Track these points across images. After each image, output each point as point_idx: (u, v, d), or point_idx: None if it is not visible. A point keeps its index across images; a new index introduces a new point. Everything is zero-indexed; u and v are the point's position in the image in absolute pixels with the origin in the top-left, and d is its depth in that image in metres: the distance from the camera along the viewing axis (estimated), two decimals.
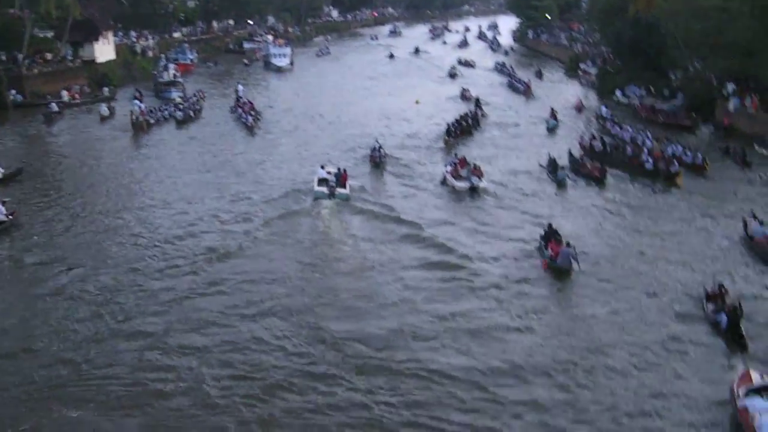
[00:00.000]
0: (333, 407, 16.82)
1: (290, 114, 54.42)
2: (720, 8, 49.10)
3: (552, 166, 36.82)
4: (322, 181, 32.71)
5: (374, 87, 68.81)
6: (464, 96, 60.95)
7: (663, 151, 38.47)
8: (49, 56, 61.64)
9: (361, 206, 31.52)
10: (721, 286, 21.71)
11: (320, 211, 30.76)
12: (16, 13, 59.51)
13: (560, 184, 35.06)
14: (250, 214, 30.40)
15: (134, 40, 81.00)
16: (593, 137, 41.99)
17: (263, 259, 25.79)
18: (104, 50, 68.57)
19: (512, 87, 68.06)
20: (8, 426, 15.93)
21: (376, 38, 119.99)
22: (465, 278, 24.04)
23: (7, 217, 28.44)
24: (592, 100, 59.23)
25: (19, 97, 55.02)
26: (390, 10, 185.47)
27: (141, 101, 52.97)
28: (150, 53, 78.40)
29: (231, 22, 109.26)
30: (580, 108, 55.86)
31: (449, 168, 35.22)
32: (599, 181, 35.26)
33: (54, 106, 51.56)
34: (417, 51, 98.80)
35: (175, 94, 58.46)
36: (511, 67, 78.44)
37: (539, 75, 74.27)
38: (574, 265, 24.13)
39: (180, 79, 63.92)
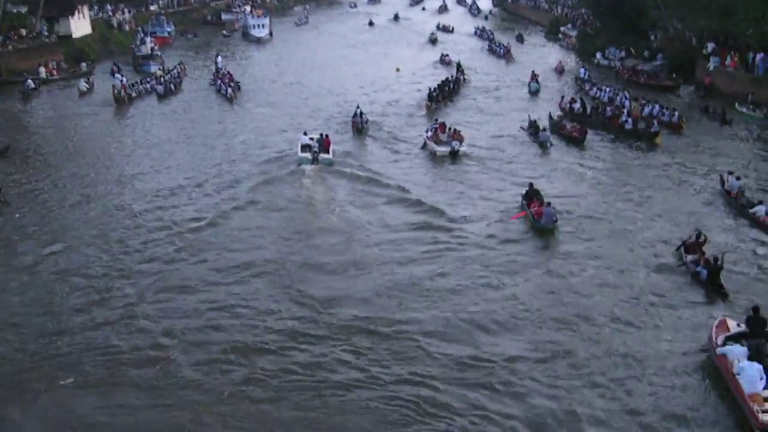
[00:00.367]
0: (316, 367, 17.02)
1: (271, 84, 54.23)
2: None
3: (533, 129, 37.29)
4: (305, 147, 33.12)
5: (354, 55, 68.42)
6: (444, 61, 61.42)
7: (642, 111, 38.86)
8: (23, 32, 60.57)
9: (344, 170, 31.98)
10: (698, 235, 22.32)
11: (304, 175, 31.22)
12: None
13: (542, 146, 35.44)
14: (233, 182, 30.69)
15: (110, 13, 79.76)
16: (573, 99, 42.48)
17: (248, 224, 26.07)
18: (80, 25, 67.54)
19: (492, 51, 68.14)
20: None
21: (355, 6, 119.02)
22: (448, 239, 24.39)
23: None
24: (573, 63, 59.26)
25: None
26: None
27: (121, 75, 52.54)
28: (127, 27, 77.27)
29: None
30: (560, 71, 56.04)
31: (429, 133, 35.51)
32: (579, 142, 35.71)
33: (30, 83, 50.87)
34: (396, 18, 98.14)
35: (154, 68, 57.85)
36: (491, 32, 78.35)
37: (520, 39, 74.08)
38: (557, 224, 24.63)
39: (158, 53, 63.19)
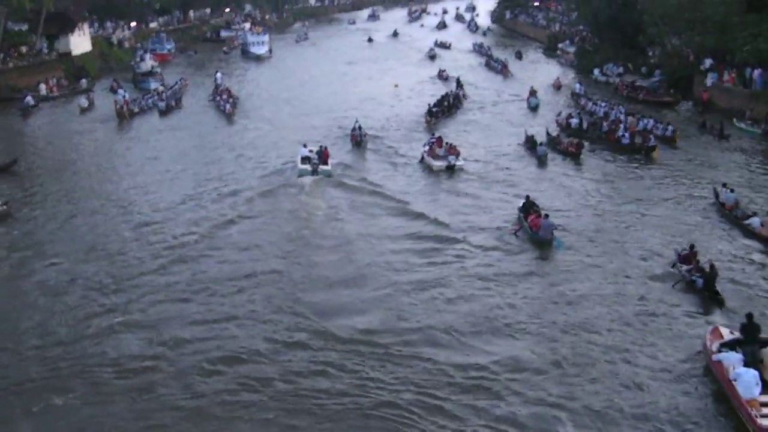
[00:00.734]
0: (315, 375, 17.16)
1: (270, 101, 54.44)
2: None
3: (530, 143, 37.60)
4: (305, 159, 33.62)
5: (353, 72, 68.72)
6: (441, 76, 62.03)
7: (637, 125, 39.17)
8: (24, 50, 60.96)
9: (343, 182, 32.59)
10: (692, 246, 22.71)
11: (304, 186, 31.81)
12: None
13: (540, 160, 35.74)
14: (232, 194, 31.14)
15: (110, 31, 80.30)
16: (570, 115, 42.80)
17: (247, 235, 26.52)
18: (80, 42, 67.92)
19: (490, 67, 68.62)
20: None
21: (354, 22, 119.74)
22: (446, 251, 24.59)
23: (2, 206, 28.60)
24: (571, 79, 59.43)
25: None
26: None
27: (124, 90, 52.93)
28: (126, 44, 77.80)
29: (208, 10, 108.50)
30: (558, 86, 56.33)
31: (426, 147, 35.83)
32: (575, 157, 35.92)
33: (30, 100, 51.07)
34: (395, 34, 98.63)
35: (154, 84, 58.15)
36: (489, 48, 78.76)
37: (519, 56, 74.46)
38: (556, 240, 24.65)
39: (158, 69, 63.51)
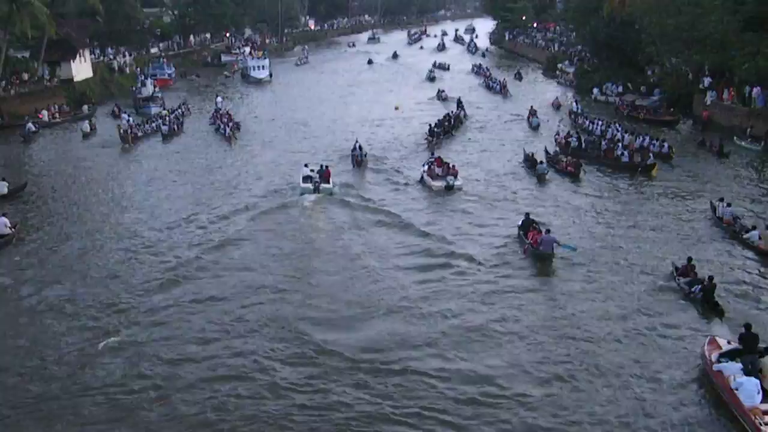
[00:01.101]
0: (317, 396, 17.22)
1: (271, 124, 54.59)
2: (693, 3, 49.71)
3: (530, 162, 37.88)
4: (307, 178, 34.27)
5: (354, 94, 69.02)
6: (441, 97, 62.70)
7: (635, 143, 39.42)
8: (26, 77, 61.28)
9: (344, 200, 33.13)
10: (689, 259, 23.11)
11: (306, 204, 32.58)
12: None
13: (540, 178, 35.97)
14: (235, 214, 31.40)
15: (111, 57, 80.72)
16: (569, 134, 42.98)
17: (250, 254, 26.77)
18: (81, 68, 68.30)
19: (489, 87, 69.17)
20: None
21: (354, 45, 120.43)
22: (447, 268, 24.77)
23: (10, 229, 28.69)
24: (570, 98, 59.62)
25: None
26: (366, 17, 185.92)
27: (128, 115, 53.22)
28: (127, 70, 78.16)
29: (208, 35, 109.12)
30: (557, 106, 56.60)
31: (426, 167, 36.03)
32: (574, 176, 36.05)
33: (31, 126, 51.17)
34: (395, 56, 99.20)
35: (155, 110, 58.30)
36: (487, 69, 79.22)
37: (519, 77, 74.79)
38: (558, 250, 24.98)
39: (159, 94, 63.80)
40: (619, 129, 43.36)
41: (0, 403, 17.21)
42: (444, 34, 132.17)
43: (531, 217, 27.61)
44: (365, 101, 63.94)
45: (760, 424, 14.82)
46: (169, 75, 79.20)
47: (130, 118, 51.59)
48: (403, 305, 21.87)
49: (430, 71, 79.36)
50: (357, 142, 40.96)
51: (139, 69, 76.88)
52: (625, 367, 18.03)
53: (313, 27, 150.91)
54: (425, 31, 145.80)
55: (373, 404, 16.75)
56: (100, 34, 79.28)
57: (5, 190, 34.87)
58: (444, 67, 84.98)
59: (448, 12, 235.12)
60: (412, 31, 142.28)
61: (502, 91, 65.15)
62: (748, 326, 17.59)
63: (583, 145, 40.94)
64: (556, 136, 43.26)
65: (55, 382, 18.03)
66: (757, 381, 15.79)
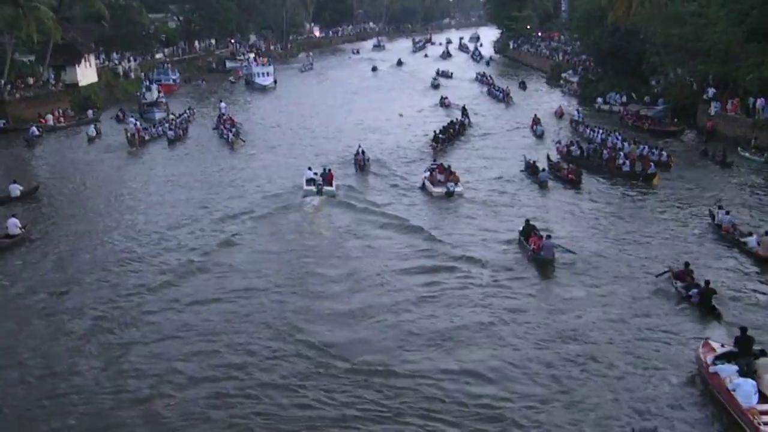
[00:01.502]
0: (315, 402, 17.21)
1: (274, 130, 54.76)
2: (697, 14, 49.78)
3: (531, 169, 38.01)
4: (310, 181, 34.95)
5: (358, 101, 69.17)
6: (444, 104, 63.15)
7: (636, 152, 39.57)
8: (31, 81, 61.52)
9: (347, 202, 33.79)
10: (687, 264, 23.34)
11: (309, 206, 33.27)
12: None
13: (542, 185, 36.14)
14: (237, 216, 31.88)
15: (116, 62, 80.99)
16: (571, 142, 43.14)
17: (253, 254, 27.33)
18: (86, 73, 68.59)
19: (492, 95, 69.29)
20: None
21: (358, 52, 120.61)
22: (448, 273, 24.95)
23: (20, 230, 29.09)
24: (574, 108, 59.67)
25: (1, 123, 54.88)
26: (371, 24, 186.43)
27: (135, 119, 53.56)
28: (132, 75, 78.44)
29: (213, 41, 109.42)
30: (560, 115, 56.70)
31: (427, 174, 36.34)
32: (575, 184, 36.23)
33: (35, 130, 51.43)
34: (400, 63, 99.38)
35: (159, 115, 58.55)
36: (491, 77, 79.39)
37: (523, 86, 74.76)
38: (558, 255, 25.38)
39: (163, 99, 63.98)
40: (619, 138, 43.57)
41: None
42: (449, 42, 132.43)
43: (531, 223, 27.79)
44: (369, 108, 64.04)
45: (759, 424, 15.15)
46: (174, 80, 79.39)
47: (138, 122, 52.03)
48: (403, 308, 22.05)
49: (434, 79, 79.54)
50: (360, 146, 41.38)
51: (143, 74, 77.08)
52: (624, 371, 18.25)
53: (317, 34, 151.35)
54: (430, 39, 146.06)
55: (375, 405, 16.86)
56: (105, 39, 79.58)
57: (18, 193, 35.21)
58: (447, 75, 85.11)
59: (453, 20, 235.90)
60: (417, 39, 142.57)
61: (506, 99, 65.30)
62: (743, 329, 18.00)
63: (585, 153, 41.07)
64: (558, 145, 43.34)
65: (51, 380, 18.19)
66: (754, 382, 16.16)
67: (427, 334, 20.34)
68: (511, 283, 24.01)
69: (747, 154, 40.90)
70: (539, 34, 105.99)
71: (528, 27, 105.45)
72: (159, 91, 65.46)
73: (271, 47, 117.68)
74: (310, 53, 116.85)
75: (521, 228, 27.59)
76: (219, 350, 19.68)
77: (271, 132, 54.08)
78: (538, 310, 22.00)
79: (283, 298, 23.14)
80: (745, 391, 15.89)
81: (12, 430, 16.44)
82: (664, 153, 39.66)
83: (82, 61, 67.62)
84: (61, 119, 57.48)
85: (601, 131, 45.97)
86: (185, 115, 57.79)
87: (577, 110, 55.12)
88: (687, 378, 17.96)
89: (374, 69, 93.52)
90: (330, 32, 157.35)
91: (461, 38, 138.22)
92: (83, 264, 26.59)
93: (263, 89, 79.81)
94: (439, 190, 34.45)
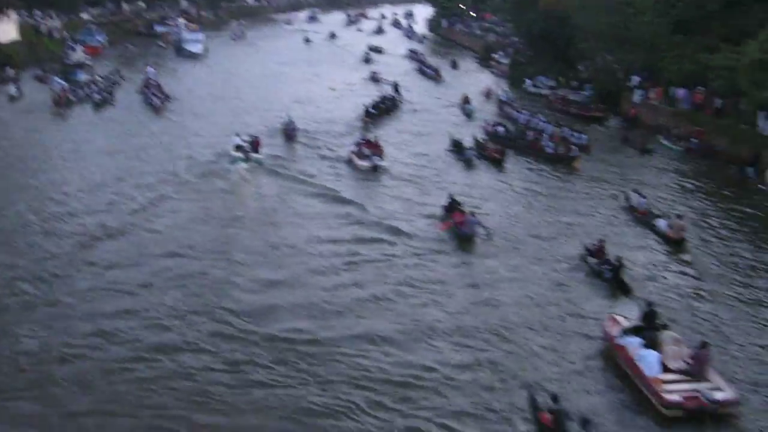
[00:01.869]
0: (230, 371, 17.49)
1: (203, 98, 53.87)
2: (625, 3, 50.71)
3: (456, 147, 38.75)
4: (238, 147, 35.30)
5: (290, 72, 68.34)
6: (374, 78, 63.02)
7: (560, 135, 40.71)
8: None
9: (274, 170, 34.43)
10: (601, 241, 24.54)
11: (236, 173, 33.75)
12: None
13: (468, 163, 36.89)
14: (162, 182, 32.06)
15: (39, 20, 78.16)
16: (497, 123, 43.99)
17: (176, 220, 27.59)
18: (6, 30, 65.94)
19: (422, 72, 69.41)
20: None
21: (292, 23, 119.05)
22: (371, 245, 25.57)
23: None
24: (506, 90, 60.26)
25: None
26: None
27: (61, 80, 52.16)
28: (56, 34, 75.79)
29: (142, 4, 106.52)
30: (488, 95, 57.15)
31: (354, 148, 36.68)
32: (499, 163, 37.06)
33: None
34: (333, 36, 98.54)
35: (83, 77, 56.97)
36: (422, 54, 79.64)
37: (454, 65, 74.95)
38: (481, 231, 26.06)
39: (88, 62, 62.29)
40: (542, 120, 44.61)
41: None
42: (383, 17, 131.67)
43: (455, 198, 28.48)
44: (300, 80, 63.48)
45: (662, 392, 16.26)
46: (100, 42, 77.03)
47: (64, 84, 50.78)
48: (325, 278, 22.54)
49: (366, 53, 79.30)
50: (289, 116, 41.60)
51: (68, 34, 74.62)
52: (536, 342, 19.19)
53: (251, 2, 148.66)
54: (364, 13, 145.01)
55: (296, 372, 17.20)
56: None
57: None
58: (379, 50, 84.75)
59: None
60: (351, 13, 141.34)
61: (435, 76, 65.80)
62: (650, 304, 19.39)
63: (510, 134, 42.00)
64: (485, 124, 44.11)
65: None
66: (657, 354, 17.27)
67: (350, 304, 20.77)
68: (434, 256, 24.68)
69: (667, 143, 42.10)
70: (472, 14, 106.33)
71: (461, 6, 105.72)
72: (84, 53, 63.61)
73: (202, 13, 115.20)
74: (242, 22, 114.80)
75: (445, 203, 28.25)
76: (137, 313, 19.76)
77: (200, 100, 53.21)
78: (457, 283, 22.68)
79: (206, 265, 23.27)
80: (649, 362, 17.00)
81: None
82: (584, 136, 40.74)
83: (2, 16, 65.00)
84: None
85: (526, 113, 46.88)
86: (113, 78, 56.44)
87: (504, 91, 55.88)
88: (595, 350, 18.94)
89: (307, 41, 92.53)
90: (264, 1, 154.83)
91: (395, 14, 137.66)
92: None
93: (193, 56, 78.06)
94: (364, 164, 34.85)
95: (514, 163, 37.51)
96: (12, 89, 50.89)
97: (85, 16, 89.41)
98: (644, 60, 49.93)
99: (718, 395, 16.13)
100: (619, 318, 19.37)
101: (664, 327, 18.54)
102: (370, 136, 38.57)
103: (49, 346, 18.18)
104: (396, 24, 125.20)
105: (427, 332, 19.49)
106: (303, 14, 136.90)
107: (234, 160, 34.61)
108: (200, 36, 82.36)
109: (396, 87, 55.88)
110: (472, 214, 26.48)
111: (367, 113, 45.81)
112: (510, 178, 35.16)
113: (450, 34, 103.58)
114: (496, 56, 74.75)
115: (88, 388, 16.60)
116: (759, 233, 28.17)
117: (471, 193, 31.91)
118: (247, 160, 34.57)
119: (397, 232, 26.68)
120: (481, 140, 40.29)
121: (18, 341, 18.43)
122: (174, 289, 21.40)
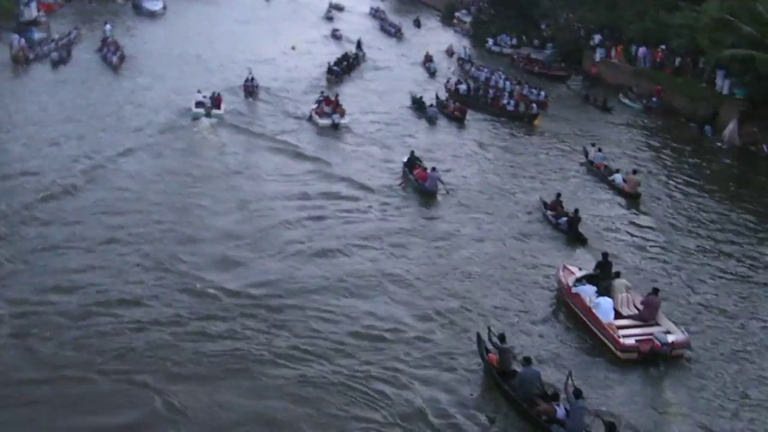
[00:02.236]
0: (189, 324, 17.61)
1: (162, 57, 52.55)
2: None
3: (418, 105, 39.16)
4: (199, 104, 35.46)
5: (251, 30, 67.36)
6: (335, 35, 63.12)
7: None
8: None
9: (236, 125, 34.64)
10: (558, 195, 25.60)
11: (198, 128, 33.87)
12: None
13: (431, 120, 37.37)
14: (125, 139, 31.58)
15: None
16: (459, 81, 44.29)
17: (141, 174, 27.56)
18: None
19: (384, 30, 69.24)
20: None
21: None
22: (333, 202, 25.86)
23: None
24: (466, 48, 60.21)
25: None
26: None
27: (20, 36, 50.49)
28: None
29: None
30: (451, 53, 57.29)
31: (314, 106, 36.68)
32: (460, 121, 37.49)
33: None
34: None
35: (38, 35, 55.35)
36: (384, 12, 79.09)
37: (417, 24, 74.56)
38: (441, 188, 26.49)
39: (44, 19, 60.68)
40: (502, 77, 45.06)
41: None
42: None
43: (415, 155, 28.83)
44: (262, 38, 62.59)
45: (618, 337, 17.09)
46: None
47: (22, 39, 49.21)
48: (288, 239, 22.51)
49: (328, 11, 78.58)
50: (250, 72, 41.55)
51: None
52: (497, 294, 19.75)
53: None
54: None
55: (261, 333, 17.21)
56: None
57: None
58: (340, 8, 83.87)
59: None
60: None
61: (397, 34, 65.71)
62: (605, 255, 20.20)
63: (472, 92, 42.30)
64: (447, 83, 44.27)
65: None
66: (611, 300, 18.18)
67: (310, 268, 20.71)
68: (395, 211, 25.18)
69: (627, 101, 42.57)
70: None
71: None
72: (38, 10, 62.03)
73: None
74: None
75: (406, 159, 28.53)
76: (96, 269, 19.72)
77: (160, 58, 52.17)
78: (419, 236, 23.21)
79: (168, 220, 23.37)
80: (604, 308, 17.85)
81: None
82: (542, 93, 41.41)
83: None
84: None
85: (486, 71, 47.32)
86: (71, 35, 55.19)
87: (464, 48, 56.28)
88: (550, 297, 19.68)
89: None
90: None
91: None
92: None
93: (152, 15, 76.41)
94: (325, 121, 34.96)
95: (475, 121, 37.93)
96: None
97: None
98: (605, 18, 50.18)
99: (670, 338, 16.94)
100: (572, 267, 20.12)
101: (617, 275, 19.38)
102: (331, 94, 38.60)
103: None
104: None
105: (389, 284, 19.88)
106: None
107: (196, 116, 34.64)
108: None
109: (359, 44, 55.72)
110: (434, 169, 26.84)
111: (330, 70, 45.78)
112: (471, 136, 35.58)
113: None
114: (459, 15, 74.56)
115: (41, 351, 16.27)
116: (713, 188, 28.99)
117: (433, 150, 32.26)
118: (208, 116, 34.62)
119: (360, 187, 27.00)
120: (442, 99, 40.40)
121: None
122: (135, 245, 21.27)
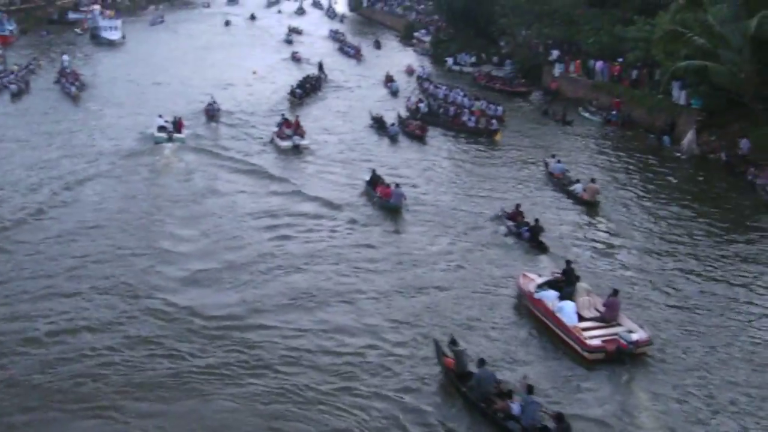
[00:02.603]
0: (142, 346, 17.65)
1: (122, 86, 52.67)
2: None
3: (378, 124, 39.60)
4: (161, 128, 35.85)
5: (211, 56, 67.37)
6: (295, 58, 64.18)
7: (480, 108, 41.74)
8: None
9: (198, 148, 35.09)
10: (518, 205, 26.03)
11: (160, 153, 34.06)
12: None
13: (392, 139, 37.79)
14: (88, 166, 31.99)
15: None
16: (419, 99, 44.98)
17: (103, 199, 27.85)
18: None
19: (343, 52, 69.96)
20: None
21: (209, 5, 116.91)
22: (298, 216, 26.36)
23: None
24: (425, 67, 60.66)
25: None
26: None
27: None
28: None
29: None
30: (411, 72, 57.75)
31: (276, 128, 37.02)
32: (421, 139, 37.90)
33: None
34: (253, 18, 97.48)
35: None
36: (343, 34, 79.90)
37: (378, 45, 75.15)
38: (406, 203, 26.98)
39: (0, 52, 60.14)
40: (461, 94, 45.62)
41: None
42: None
43: (377, 173, 29.15)
44: (222, 63, 62.74)
45: (585, 338, 17.49)
46: (11, 32, 74.31)
47: None
48: (253, 260, 22.56)
49: (288, 34, 78.85)
50: (212, 97, 42.04)
51: None
52: (463, 305, 20.00)
53: None
54: None
55: (232, 357, 17.19)
56: None
57: None
58: (299, 32, 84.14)
59: None
60: None
61: (356, 56, 66.35)
62: (568, 262, 20.72)
63: (431, 110, 42.84)
64: (407, 102, 44.89)
65: None
66: (574, 304, 18.62)
67: (275, 285, 20.93)
68: (360, 227, 25.50)
69: (587, 114, 43.14)
70: None
71: None
72: None
73: None
74: (160, 6, 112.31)
75: (368, 177, 28.91)
76: (56, 297, 19.67)
77: (120, 87, 52.06)
78: (383, 250, 23.56)
79: (131, 244, 23.39)
80: (567, 312, 18.33)
81: None
82: (500, 108, 41.99)
83: None
84: None
85: (444, 88, 47.92)
86: (30, 66, 55.01)
87: (422, 67, 56.80)
88: (513, 305, 20.01)
89: (227, 23, 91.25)
90: None
91: None
92: None
93: (111, 44, 75.97)
94: (286, 143, 35.29)
95: (437, 138, 38.46)
96: None
97: None
98: (563, 34, 50.90)
99: (634, 336, 17.53)
100: (531, 275, 20.57)
101: (577, 279, 19.89)
102: (292, 116, 38.98)
103: None
104: (316, 5, 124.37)
105: (354, 296, 20.20)
106: None
107: (158, 140, 34.93)
108: (117, 23, 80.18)
109: (321, 66, 56.19)
110: (397, 185, 27.21)
111: (293, 92, 46.30)
112: (433, 152, 36.05)
113: (371, 14, 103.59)
114: (418, 35, 75.21)
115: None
116: (671, 195, 29.61)
117: (397, 167, 32.61)
118: (170, 140, 34.92)
119: (324, 204, 27.43)
120: (404, 117, 40.84)
121: None
122: (97, 270, 21.26)
